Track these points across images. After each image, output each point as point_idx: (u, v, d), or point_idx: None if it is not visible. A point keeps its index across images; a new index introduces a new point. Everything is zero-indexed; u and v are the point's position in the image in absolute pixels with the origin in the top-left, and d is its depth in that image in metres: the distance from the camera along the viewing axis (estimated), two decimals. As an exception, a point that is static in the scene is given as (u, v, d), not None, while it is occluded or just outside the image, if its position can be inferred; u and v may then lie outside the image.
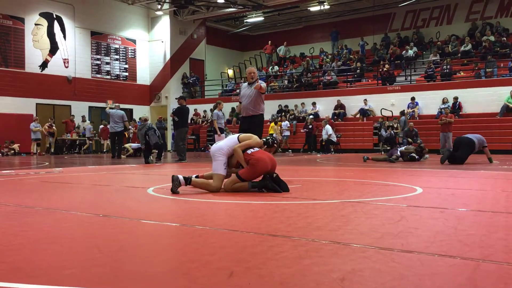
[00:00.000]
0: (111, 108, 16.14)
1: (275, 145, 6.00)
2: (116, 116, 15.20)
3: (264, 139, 5.93)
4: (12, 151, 19.98)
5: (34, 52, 22.12)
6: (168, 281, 2.01)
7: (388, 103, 20.41)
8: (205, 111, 25.40)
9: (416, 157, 12.11)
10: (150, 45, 27.08)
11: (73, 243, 2.78)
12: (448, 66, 21.15)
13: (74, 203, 4.59)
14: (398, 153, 12.33)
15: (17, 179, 7.57)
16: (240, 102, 7.61)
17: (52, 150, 20.89)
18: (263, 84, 7.33)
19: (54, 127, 20.86)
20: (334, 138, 19.57)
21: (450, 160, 10.77)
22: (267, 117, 23.63)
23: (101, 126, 22.38)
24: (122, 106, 25.43)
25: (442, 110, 18.20)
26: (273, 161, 5.50)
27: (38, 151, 20.36)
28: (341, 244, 2.62)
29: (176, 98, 15.87)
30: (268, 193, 5.11)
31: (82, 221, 3.53)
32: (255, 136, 5.71)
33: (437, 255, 2.36)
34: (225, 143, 5.58)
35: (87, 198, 5.02)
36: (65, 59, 23.29)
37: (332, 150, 19.51)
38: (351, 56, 25.44)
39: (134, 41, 26.43)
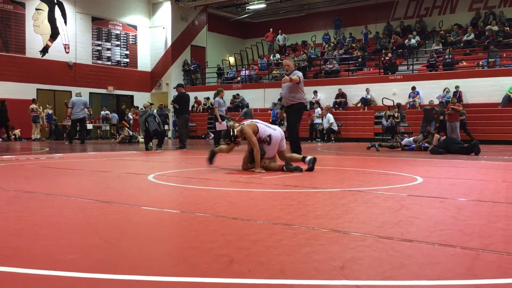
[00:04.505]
0: (78, 95, 16.46)
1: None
2: (79, 103, 15.82)
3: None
4: (13, 137, 19.94)
5: (34, 37, 22.01)
6: (168, 268, 2.01)
7: (390, 92, 20.30)
8: (205, 98, 25.19)
9: (429, 146, 11.94)
10: (151, 32, 26.92)
11: (74, 229, 2.79)
12: (451, 56, 21.04)
13: (74, 189, 4.59)
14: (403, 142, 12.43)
15: (18, 164, 7.57)
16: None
17: (37, 136, 20.27)
18: (294, 76, 7.54)
19: (38, 110, 20.28)
20: (335, 127, 19.53)
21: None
22: (267, 105, 23.61)
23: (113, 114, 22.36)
24: (123, 92, 25.62)
25: (444, 99, 18.02)
26: None
27: (39, 136, 20.28)
28: (341, 233, 2.63)
29: (174, 88, 15.87)
30: (269, 181, 5.12)
31: (82, 207, 3.53)
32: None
33: (437, 244, 2.37)
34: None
35: (87, 184, 5.03)
36: (65, 44, 23.19)
37: (333, 139, 19.49)
38: (353, 45, 25.29)
39: (135, 27, 26.27)
